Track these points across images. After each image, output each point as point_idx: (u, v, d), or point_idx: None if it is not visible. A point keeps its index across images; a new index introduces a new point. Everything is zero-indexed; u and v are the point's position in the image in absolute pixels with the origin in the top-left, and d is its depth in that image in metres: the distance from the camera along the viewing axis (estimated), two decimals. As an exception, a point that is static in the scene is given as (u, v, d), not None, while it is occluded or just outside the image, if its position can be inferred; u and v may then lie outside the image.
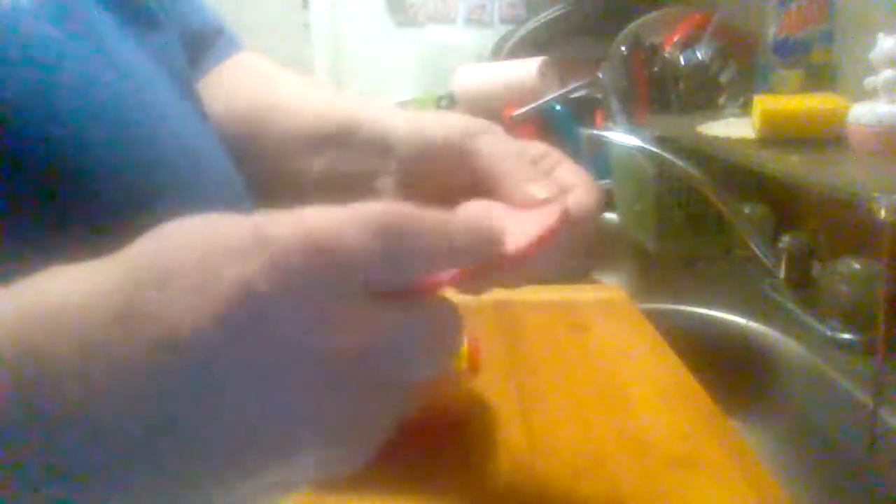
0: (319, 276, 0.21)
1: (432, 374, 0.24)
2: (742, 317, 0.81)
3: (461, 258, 0.25)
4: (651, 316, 0.67)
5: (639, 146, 0.88)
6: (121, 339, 0.21)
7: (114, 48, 0.34)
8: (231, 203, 0.39)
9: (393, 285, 0.23)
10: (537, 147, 0.38)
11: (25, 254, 0.28)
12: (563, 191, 0.35)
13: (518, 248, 0.28)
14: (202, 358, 0.20)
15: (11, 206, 0.28)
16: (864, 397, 0.62)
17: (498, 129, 0.38)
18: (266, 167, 0.43)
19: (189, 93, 0.41)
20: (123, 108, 0.32)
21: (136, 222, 0.31)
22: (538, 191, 0.34)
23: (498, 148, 0.36)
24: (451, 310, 0.25)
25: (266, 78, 0.50)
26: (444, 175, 0.38)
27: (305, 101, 0.45)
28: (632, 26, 1.22)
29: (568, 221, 0.32)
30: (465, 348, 0.56)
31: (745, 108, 0.96)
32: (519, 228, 0.30)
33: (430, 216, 0.23)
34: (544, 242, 0.30)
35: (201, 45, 0.49)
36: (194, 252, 0.21)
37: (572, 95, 1.28)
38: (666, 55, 1.12)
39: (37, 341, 0.21)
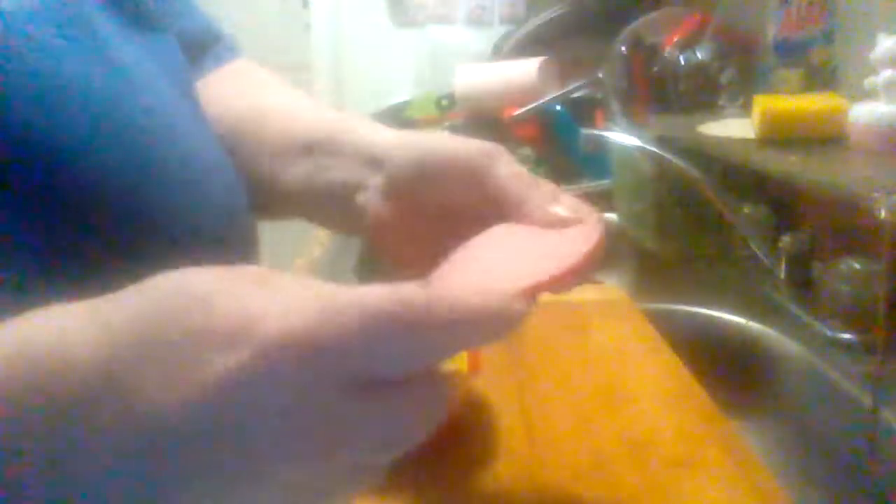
0: (304, 372, 0.21)
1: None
2: (742, 317, 0.81)
3: (473, 344, 0.24)
4: (651, 316, 0.66)
5: (639, 146, 0.88)
6: (117, 396, 0.21)
7: (114, 50, 0.34)
8: (230, 204, 0.39)
9: (395, 374, 0.23)
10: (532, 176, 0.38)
11: (23, 253, 0.28)
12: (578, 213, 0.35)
13: (554, 275, 0.29)
14: (184, 436, 0.21)
15: (9, 206, 0.28)
16: (864, 397, 0.62)
17: (506, 151, 0.38)
18: (250, 172, 0.43)
19: (189, 94, 0.41)
20: (123, 109, 0.33)
21: (135, 223, 0.32)
22: (562, 210, 0.34)
23: (514, 169, 0.36)
24: (440, 392, 0.24)
25: (259, 85, 0.50)
26: (442, 191, 0.38)
27: (295, 108, 0.45)
28: (632, 26, 1.21)
29: (602, 242, 0.32)
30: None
31: (745, 108, 0.96)
32: (552, 251, 0.31)
33: (438, 307, 0.22)
34: (586, 266, 0.30)
35: (199, 50, 0.49)
36: (186, 333, 0.22)
37: (572, 95, 1.28)
38: (666, 55, 1.12)
39: (41, 383, 0.21)
